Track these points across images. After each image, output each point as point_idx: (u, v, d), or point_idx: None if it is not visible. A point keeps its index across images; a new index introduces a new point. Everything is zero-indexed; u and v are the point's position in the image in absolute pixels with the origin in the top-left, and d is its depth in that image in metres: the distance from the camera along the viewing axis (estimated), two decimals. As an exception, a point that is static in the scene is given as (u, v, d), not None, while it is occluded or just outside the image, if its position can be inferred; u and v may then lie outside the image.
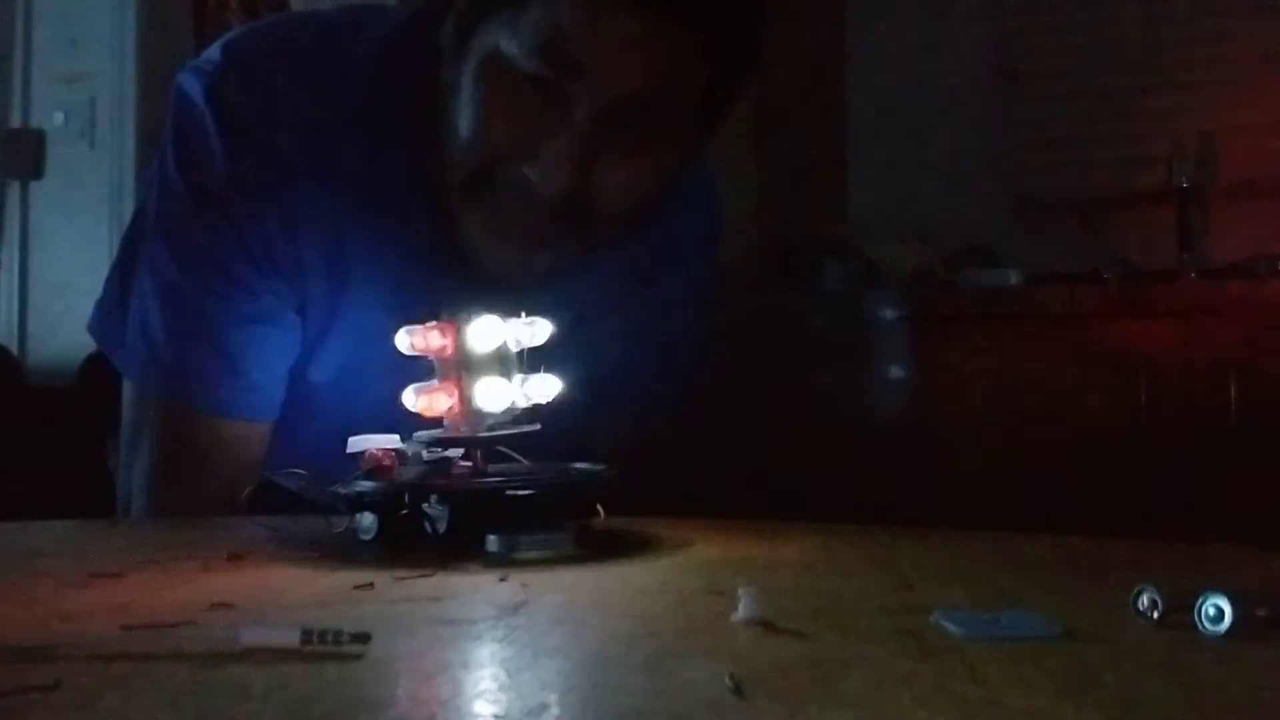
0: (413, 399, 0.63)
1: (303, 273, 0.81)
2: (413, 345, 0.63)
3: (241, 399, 0.81)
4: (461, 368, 0.62)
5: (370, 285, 0.81)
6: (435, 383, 0.62)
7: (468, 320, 0.62)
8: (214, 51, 0.82)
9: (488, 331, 0.62)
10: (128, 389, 0.86)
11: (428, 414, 0.62)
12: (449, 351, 0.62)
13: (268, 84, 0.80)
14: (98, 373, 0.91)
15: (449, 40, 0.77)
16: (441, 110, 0.77)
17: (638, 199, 0.78)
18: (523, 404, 0.63)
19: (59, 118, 2.04)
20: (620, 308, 0.90)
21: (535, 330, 0.64)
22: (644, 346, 0.92)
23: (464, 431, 0.62)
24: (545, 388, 0.64)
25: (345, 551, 0.58)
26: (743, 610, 0.43)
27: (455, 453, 0.63)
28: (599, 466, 0.64)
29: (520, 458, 0.63)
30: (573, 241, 0.78)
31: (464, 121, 0.76)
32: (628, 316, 0.91)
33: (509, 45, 0.73)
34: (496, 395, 0.62)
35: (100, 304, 0.86)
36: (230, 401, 0.81)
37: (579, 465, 0.64)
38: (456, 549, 0.57)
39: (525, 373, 0.64)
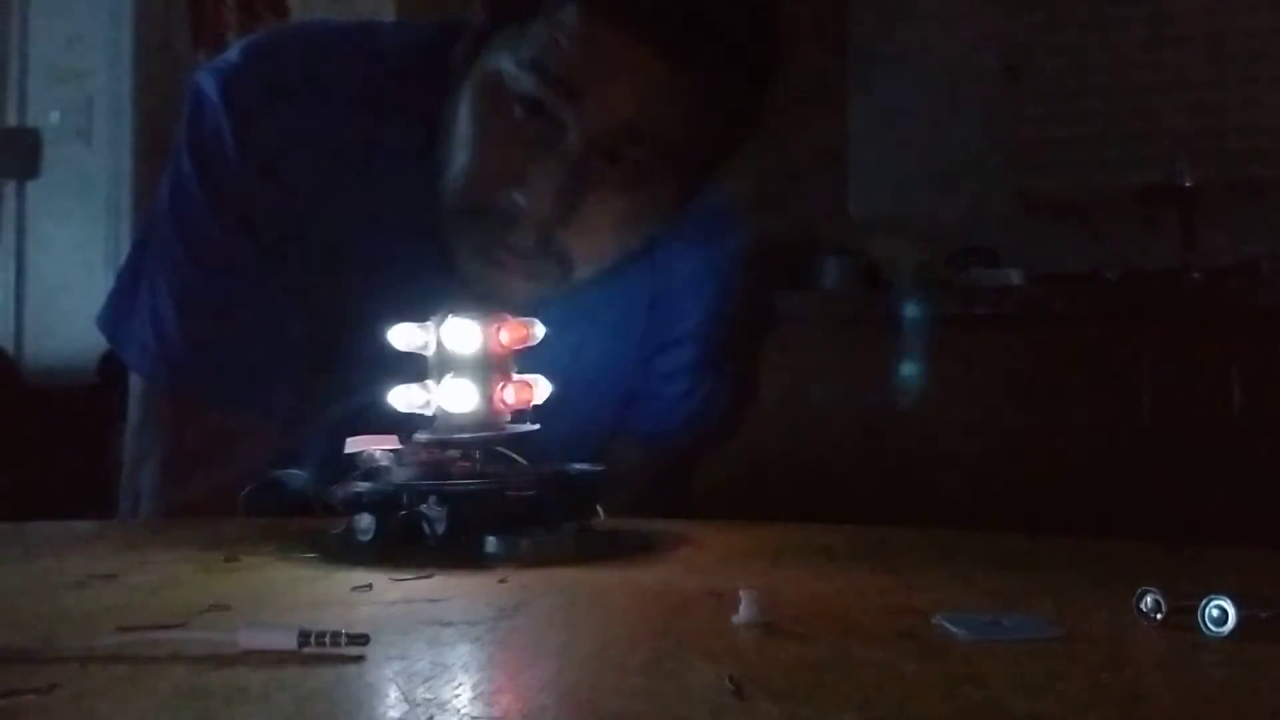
0: (398, 398, 0.63)
1: (311, 275, 0.82)
2: (404, 343, 0.63)
3: (250, 395, 0.81)
4: (457, 367, 0.62)
5: (372, 293, 0.81)
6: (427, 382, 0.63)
7: (464, 320, 0.62)
8: (232, 52, 0.84)
9: (470, 332, 0.62)
10: (136, 385, 0.86)
11: (404, 409, 0.62)
12: (451, 350, 0.62)
13: (282, 88, 0.81)
14: (113, 371, 0.91)
15: (456, 63, 0.78)
16: (444, 134, 0.78)
17: (627, 235, 0.78)
18: (508, 406, 0.63)
19: (55, 116, 2.04)
20: (618, 329, 0.89)
21: (531, 331, 0.64)
22: (644, 369, 0.92)
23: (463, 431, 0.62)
24: (535, 390, 0.64)
25: (343, 553, 0.58)
26: (743, 612, 0.43)
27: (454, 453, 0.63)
28: (598, 467, 0.64)
29: (519, 458, 0.63)
30: (557, 271, 0.77)
31: (458, 151, 0.77)
32: (625, 339, 0.90)
33: (507, 63, 0.74)
34: (471, 396, 0.62)
35: (111, 299, 0.87)
36: (240, 397, 0.81)
37: (578, 465, 0.64)
38: (455, 550, 0.57)
39: (516, 374, 0.64)
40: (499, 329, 0.62)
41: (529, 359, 0.65)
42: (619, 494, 0.65)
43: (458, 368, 0.62)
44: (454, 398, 0.62)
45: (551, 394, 0.65)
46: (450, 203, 0.78)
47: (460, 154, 0.77)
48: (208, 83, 0.81)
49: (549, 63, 0.72)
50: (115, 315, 0.86)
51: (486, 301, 0.76)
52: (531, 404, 0.63)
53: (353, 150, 0.81)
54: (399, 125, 0.81)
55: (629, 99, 0.72)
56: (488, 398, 0.62)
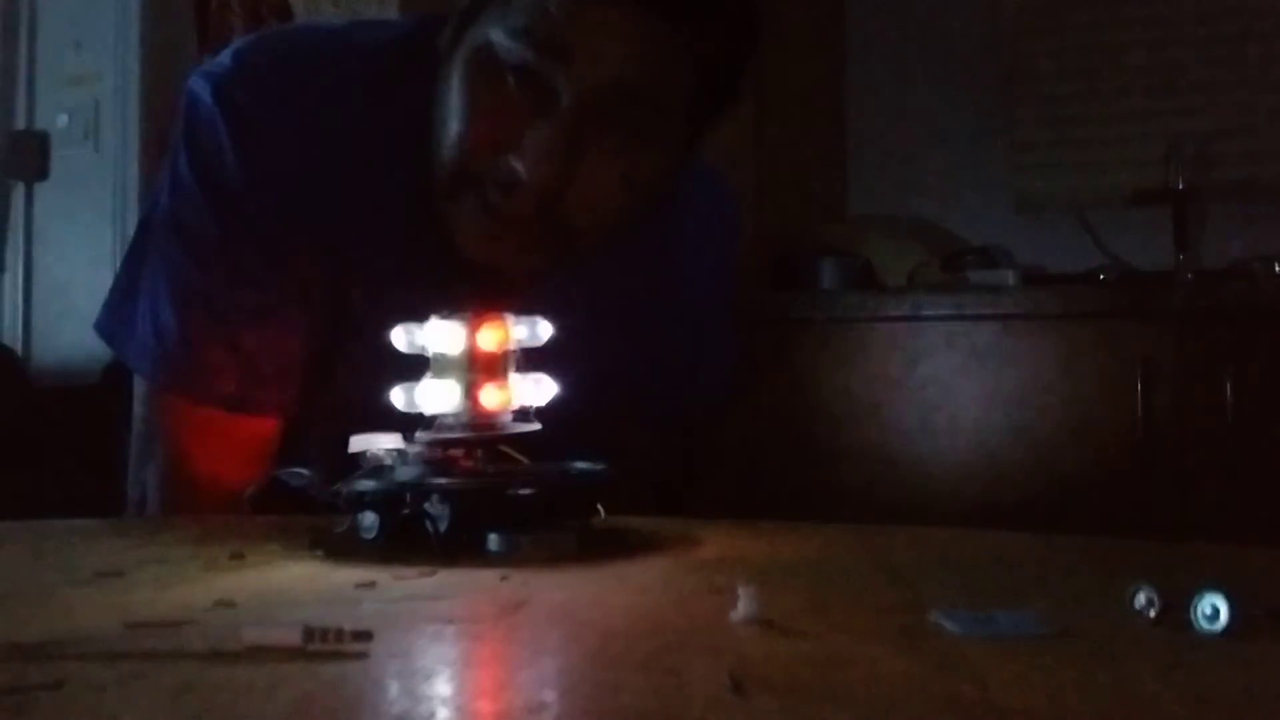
0: (400, 397, 0.63)
1: (309, 272, 0.82)
2: (409, 343, 0.64)
3: (252, 394, 0.82)
4: (438, 368, 0.63)
5: (371, 289, 0.82)
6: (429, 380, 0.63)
7: (469, 319, 0.63)
8: (225, 56, 0.84)
9: (453, 333, 0.63)
10: (139, 387, 0.86)
11: (405, 409, 0.63)
12: (458, 349, 0.62)
13: (274, 89, 0.82)
14: (117, 378, 0.91)
15: (445, 42, 0.79)
16: (437, 113, 0.78)
17: (623, 201, 0.78)
18: (519, 404, 0.64)
19: (63, 120, 2.05)
20: (627, 306, 0.90)
21: (534, 330, 0.64)
22: (654, 347, 0.92)
23: (467, 430, 0.62)
24: (540, 389, 0.64)
25: (347, 550, 0.58)
26: (742, 609, 0.43)
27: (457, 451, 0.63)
28: (599, 466, 0.64)
29: (521, 457, 0.64)
30: (557, 241, 0.78)
31: (450, 120, 0.77)
32: (635, 315, 0.91)
33: (497, 34, 0.74)
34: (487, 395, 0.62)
35: (108, 303, 0.87)
36: (241, 396, 0.82)
37: (579, 465, 0.65)
38: (458, 548, 0.58)
39: (521, 373, 0.64)
40: (477, 329, 0.63)
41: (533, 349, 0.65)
42: (624, 479, 0.65)
43: (439, 368, 0.63)
44: (433, 398, 0.62)
45: (558, 388, 0.65)
46: (445, 172, 0.77)
47: (453, 123, 0.76)
48: (201, 86, 0.82)
49: (538, 29, 0.72)
50: (113, 318, 0.86)
51: (490, 280, 0.76)
52: (511, 407, 0.63)
53: (348, 146, 0.81)
54: (393, 117, 0.82)
55: (619, 58, 0.72)
56: (472, 399, 0.62)
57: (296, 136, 0.81)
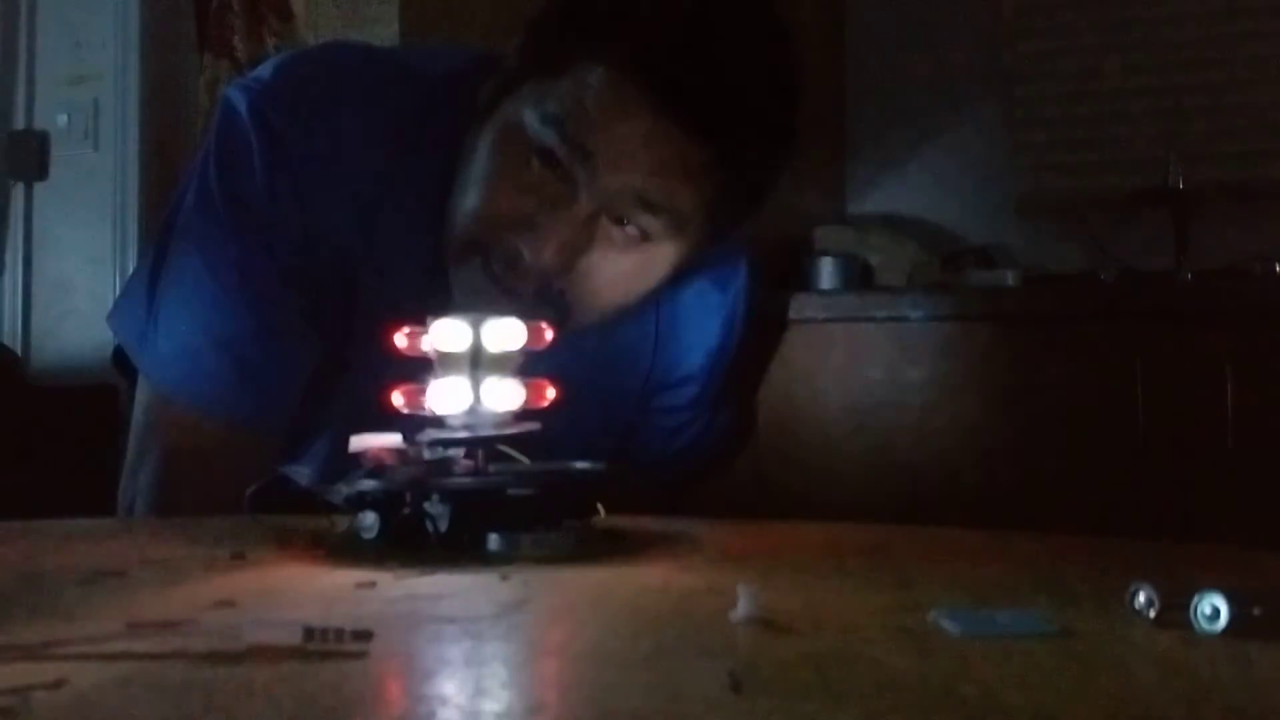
0: (400, 398, 0.63)
1: (322, 293, 0.82)
2: (408, 346, 0.64)
3: (255, 408, 0.82)
4: (459, 366, 0.63)
5: (380, 317, 0.82)
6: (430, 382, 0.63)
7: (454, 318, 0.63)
8: (265, 70, 0.85)
9: (460, 331, 0.63)
10: (142, 390, 0.86)
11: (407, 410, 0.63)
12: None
13: (309, 109, 0.82)
14: (122, 361, 0.91)
15: (484, 101, 0.79)
16: (460, 167, 0.79)
17: (622, 293, 0.79)
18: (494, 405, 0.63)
19: (63, 119, 2.05)
20: (599, 377, 0.88)
21: (517, 333, 0.64)
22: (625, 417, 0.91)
23: (465, 430, 0.62)
24: (516, 393, 0.64)
25: (347, 550, 0.59)
26: (742, 608, 0.43)
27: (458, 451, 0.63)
28: (599, 465, 0.64)
29: (521, 457, 0.64)
30: (554, 319, 0.77)
31: (469, 187, 0.78)
32: (607, 386, 0.90)
33: (530, 114, 0.75)
34: (460, 394, 0.62)
35: (122, 299, 0.87)
36: (243, 409, 0.82)
37: (579, 464, 0.65)
38: (458, 548, 0.58)
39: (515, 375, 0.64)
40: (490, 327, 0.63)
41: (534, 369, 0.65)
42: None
43: (463, 366, 0.63)
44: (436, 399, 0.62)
45: (551, 427, 0.64)
46: (455, 237, 0.78)
47: (472, 191, 0.77)
48: (237, 98, 0.82)
49: (570, 122, 0.73)
50: (127, 316, 0.86)
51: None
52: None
53: (376, 176, 0.82)
54: (424, 155, 0.82)
55: (643, 169, 0.73)
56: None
57: (325, 160, 0.81)
